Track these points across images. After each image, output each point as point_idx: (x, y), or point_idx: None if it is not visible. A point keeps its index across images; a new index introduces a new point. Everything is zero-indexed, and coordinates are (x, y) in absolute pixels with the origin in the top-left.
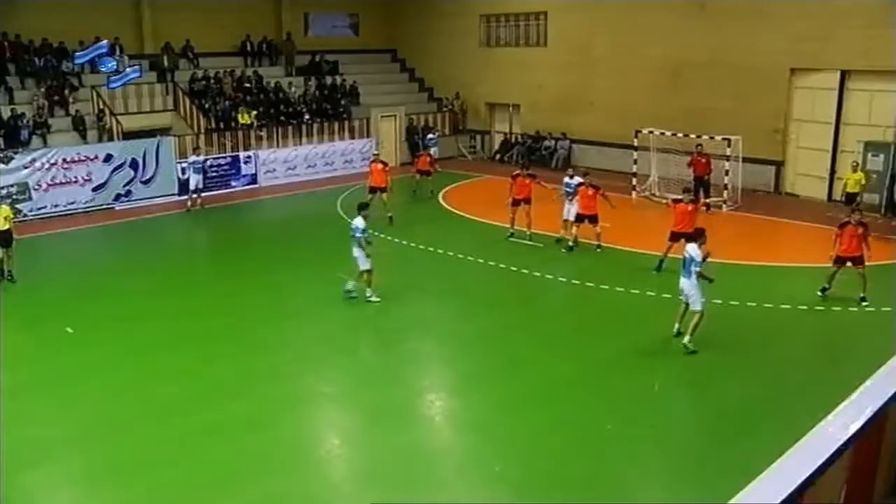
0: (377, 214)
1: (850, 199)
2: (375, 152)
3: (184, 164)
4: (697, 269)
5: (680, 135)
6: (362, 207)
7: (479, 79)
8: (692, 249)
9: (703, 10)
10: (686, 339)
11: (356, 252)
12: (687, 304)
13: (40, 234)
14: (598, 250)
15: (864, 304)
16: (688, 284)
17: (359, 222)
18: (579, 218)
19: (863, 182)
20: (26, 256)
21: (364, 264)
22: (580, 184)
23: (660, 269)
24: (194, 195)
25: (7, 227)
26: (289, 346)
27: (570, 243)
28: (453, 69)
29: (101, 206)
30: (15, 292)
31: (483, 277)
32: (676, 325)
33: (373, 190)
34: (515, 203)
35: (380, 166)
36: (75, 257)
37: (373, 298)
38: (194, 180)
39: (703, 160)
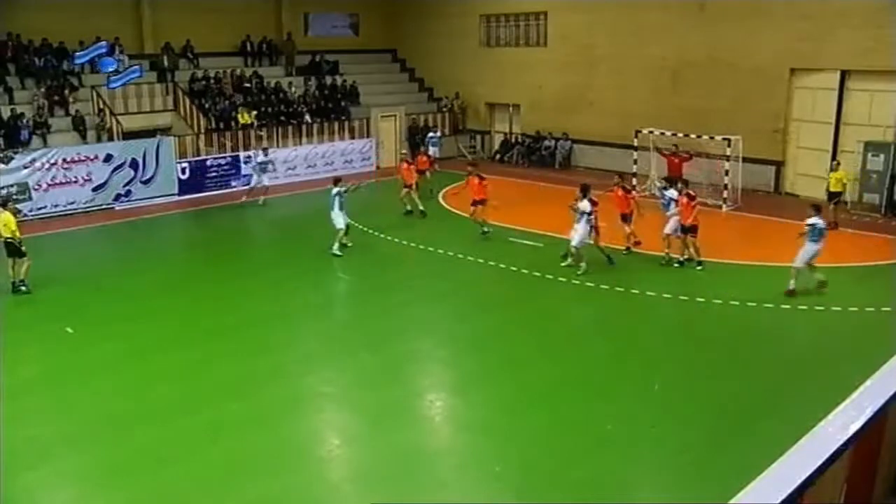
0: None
1: (833, 197)
2: (403, 151)
3: (250, 163)
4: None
5: (680, 135)
6: (338, 181)
7: (479, 79)
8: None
9: (703, 10)
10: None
11: (334, 215)
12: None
13: (40, 234)
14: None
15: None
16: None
17: (336, 189)
18: (684, 230)
19: (844, 181)
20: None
21: (341, 223)
22: (681, 194)
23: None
24: (257, 187)
25: (8, 235)
26: (289, 346)
27: (681, 258)
28: (453, 69)
29: (101, 206)
30: (16, 293)
31: (483, 277)
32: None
33: (407, 186)
34: (474, 204)
35: (405, 165)
36: (75, 257)
37: (336, 251)
38: (257, 179)
39: (676, 160)
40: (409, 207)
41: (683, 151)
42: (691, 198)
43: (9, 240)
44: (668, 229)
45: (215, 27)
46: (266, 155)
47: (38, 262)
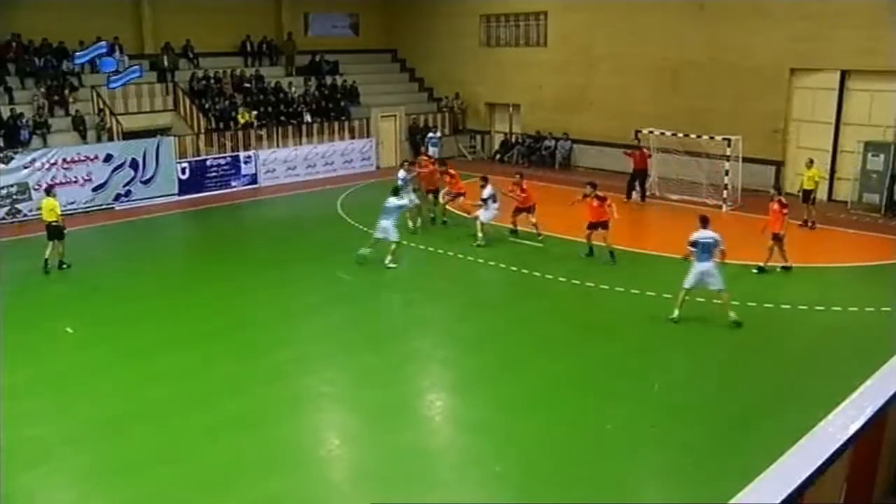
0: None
1: (807, 196)
2: (428, 156)
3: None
4: (723, 247)
5: (680, 135)
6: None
7: (479, 79)
8: (712, 233)
9: (703, 10)
10: (733, 314)
11: (386, 223)
12: (696, 289)
13: (40, 234)
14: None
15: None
16: (713, 266)
17: (393, 200)
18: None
19: (817, 179)
20: (27, 257)
21: (394, 236)
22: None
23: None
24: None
25: (54, 219)
26: (289, 346)
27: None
28: (453, 69)
29: (101, 206)
30: (16, 293)
31: (483, 277)
32: (677, 312)
33: (432, 191)
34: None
35: (427, 167)
36: (75, 258)
37: (391, 265)
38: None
39: (639, 154)
40: (444, 217)
41: (637, 147)
42: (783, 205)
43: (54, 223)
44: (483, 217)
45: (215, 27)
46: (409, 173)
47: (38, 262)
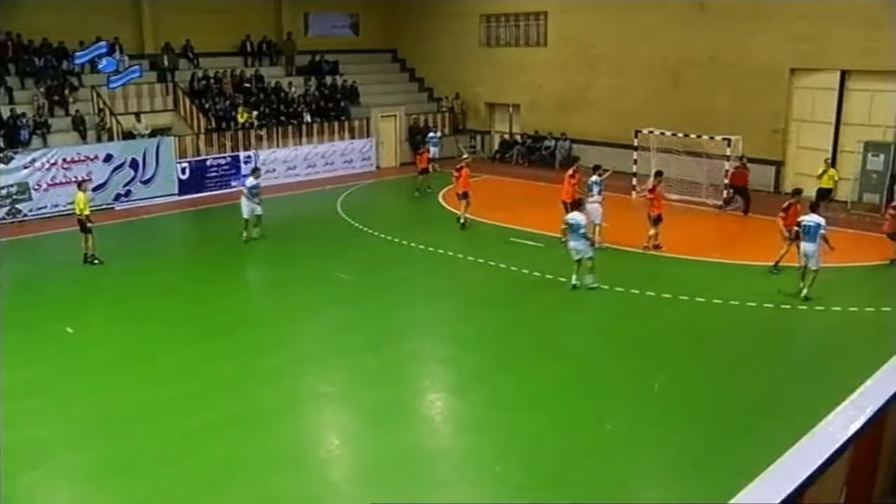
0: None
1: (822, 195)
2: (465, 157)
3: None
4: (823, 231)
5: (680, 135)
6: (255, 170)
7: (479, 79)
8: (817, 217)
9: (703, 10)
10: (805, 291)
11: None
12: (807, 266)
13: (40, 234)
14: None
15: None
16: (812, 248)
17: (251, 180)
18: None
19: (836, 178)
20: (27, 257)
21: (258, 210)
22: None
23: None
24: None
25: (77, 213)
26: (289, 347)
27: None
28: (453, 69)
29: (101, 206)
30: (16, 293)
31: (483, 277)
32: (802, 285)
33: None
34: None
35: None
36: (74, 258)
37: (255, 235)
38: (600, 218)
39: (747, 171)
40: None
41: (743, 165)
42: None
43: (79, 217)
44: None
45: (215, 27)
46: (601, 176)
47: (38, 262)
